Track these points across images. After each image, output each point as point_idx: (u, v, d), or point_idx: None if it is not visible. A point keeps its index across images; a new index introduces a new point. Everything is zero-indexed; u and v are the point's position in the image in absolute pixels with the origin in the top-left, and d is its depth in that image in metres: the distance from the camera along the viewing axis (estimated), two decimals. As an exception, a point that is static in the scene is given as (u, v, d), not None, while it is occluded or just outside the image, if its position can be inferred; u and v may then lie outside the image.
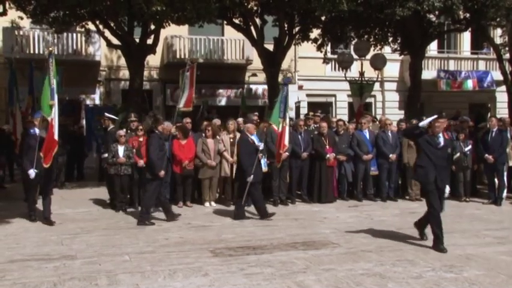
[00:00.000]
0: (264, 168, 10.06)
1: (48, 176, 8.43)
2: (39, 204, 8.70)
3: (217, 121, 10.85)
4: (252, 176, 8.51)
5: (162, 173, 8.51)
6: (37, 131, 8.50)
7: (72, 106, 17.18)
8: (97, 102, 19.47)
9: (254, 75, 20.46)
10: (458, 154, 10.77)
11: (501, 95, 21.73)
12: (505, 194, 10.70)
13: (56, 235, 7.39)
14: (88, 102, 19.24)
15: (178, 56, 19.70)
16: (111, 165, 9.42)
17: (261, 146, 8.82)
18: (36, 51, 18.01)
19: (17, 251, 6.48)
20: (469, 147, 10.80)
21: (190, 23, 14.44)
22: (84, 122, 16.35)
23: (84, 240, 7.11)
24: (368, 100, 19.93)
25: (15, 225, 8.14)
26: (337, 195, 10.73)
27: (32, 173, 8.25)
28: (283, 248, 6.66)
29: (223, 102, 20.67)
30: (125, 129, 10.23)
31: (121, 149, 9.40)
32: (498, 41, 18.82)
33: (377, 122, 13.61)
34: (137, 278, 5.40)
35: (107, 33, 15.10)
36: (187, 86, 10.25)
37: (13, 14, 14.51)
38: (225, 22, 17.39)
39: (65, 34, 17.16)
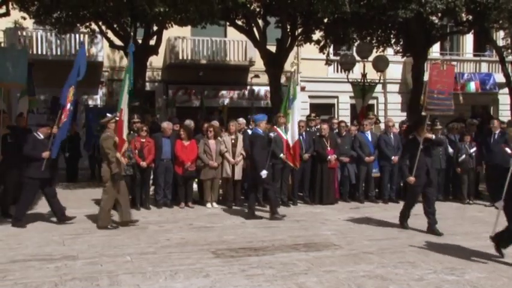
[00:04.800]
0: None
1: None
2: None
3: (215, 123, 10.87)
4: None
5: None
6: (260, 131, 8.89)
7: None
8: (98, 102, 19.50)
9: (257, 76, 20.48)
10: (463, 156, 10.76)
11: (503, 97, 21.69)
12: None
13: (58, 235, 7.40)
14: (90, 102, 19.28)
15: (181, 57, 19.73)
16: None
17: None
18: (39, 52, 18.06)
19: (19, 251, 6.49)
20: (474, 148, 10.79)
21: (193, 24, 14.46)
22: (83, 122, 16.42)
23: (86, 240, 7.12)
24: (370, 102, 19.90)
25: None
26: (338, 196, 10.74)
27: (265, 173, 8.61)
28: (285, 250, 6.66)
29: (225, 103, 20.68)
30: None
31: (122, 150, 9.39)
32: (501, 43, 18.81)
33: (380, 124, 13.61)
34: (138, 278, 5.41)
35: (110, 34, 15.14)
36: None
37: (16, 14, 14.55)
38: (227, 23, 17.40)
39: (67, 35, 17.18)
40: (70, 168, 14.40)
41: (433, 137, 8.11)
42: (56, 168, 9.09)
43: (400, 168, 8.74)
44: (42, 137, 8.38)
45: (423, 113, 8.47)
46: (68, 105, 8.34)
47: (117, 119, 8.10)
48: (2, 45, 17.94)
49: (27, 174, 8.22)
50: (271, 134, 9.41)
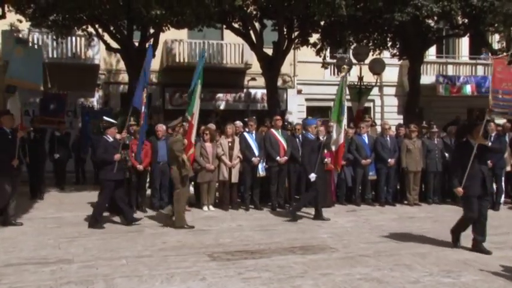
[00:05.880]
0: (262, 173, 10.09)
1: None
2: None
3: (212, 125, 10.86)
4: None
5: None
6: (311, 135, 9.06)
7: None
8: (95, 105, 19.45)
9: (253, 79, 20.50)
10: None
11: (500, 100, 21.75)
12: (503, 199, 10.71)
13: (53, 239, 7.37)
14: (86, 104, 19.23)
15: (177, 60, 19.73)
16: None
17: None
18: (36, 55, 17.98)
19: (14, 255, 6.46)
20: None
21: (189, 27, 14.46)
22: (80, 125, 16.37)
23: (82, 244, 7.09)
24: (367, 105, 19.96)
25: (13, 229, 8.09)
26: (335, 199, 10.73)
27: (314, 176, 8.75)
28: (281, 253, 6.65)
29: (222, 106, 20.71)
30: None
31: (117, 152, 9.36)
32: (496, 46, 18.88)
33: (376, 127, 13.64)
34: (134, 282, 5.39)
35: (106, 36, 15.12)
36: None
37: (12, 17, 14.52)
38: (224, 26, 17.43)
39: (64, 38, 17.13)
40: (58, 170, 13.51)
41: (489, 143, 7.27)
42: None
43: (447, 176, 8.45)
44: (111, 139, 8.45)
45: (486, 116, 7.25)
46: (143, 109, 8.65)
47: (185, 123, 8.49)
48: (0, 46, 17.92)
49: (103, 177, 8.40)
50: (321, 138, 9.33)
